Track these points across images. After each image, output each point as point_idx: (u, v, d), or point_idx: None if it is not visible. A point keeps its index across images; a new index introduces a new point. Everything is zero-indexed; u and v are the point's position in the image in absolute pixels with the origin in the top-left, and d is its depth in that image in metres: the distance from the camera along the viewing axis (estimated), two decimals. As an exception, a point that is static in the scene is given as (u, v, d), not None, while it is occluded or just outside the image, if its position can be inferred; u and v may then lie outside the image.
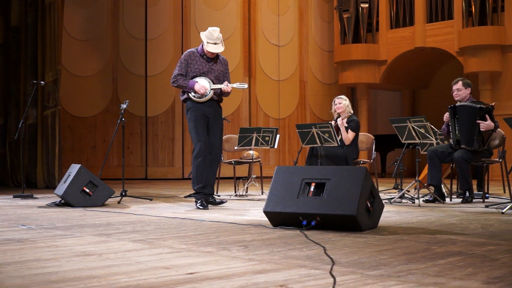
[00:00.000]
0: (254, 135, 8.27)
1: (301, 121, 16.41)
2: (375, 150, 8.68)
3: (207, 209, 6.24)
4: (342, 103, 8.16)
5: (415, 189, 7.78)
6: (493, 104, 6.96)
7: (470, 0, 14.29)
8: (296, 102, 16.62)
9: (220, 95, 6.59)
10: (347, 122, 8.11)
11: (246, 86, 6.49)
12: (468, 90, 7.14)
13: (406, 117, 7.85)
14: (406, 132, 6.94)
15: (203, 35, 6.53)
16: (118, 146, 13.65)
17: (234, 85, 6.52)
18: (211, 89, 6.47)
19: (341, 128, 8.06)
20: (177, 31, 14.69)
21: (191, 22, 14.76)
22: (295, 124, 9.11)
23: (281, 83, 16.27)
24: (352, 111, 8.27)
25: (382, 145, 14.88)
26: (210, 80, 6.52)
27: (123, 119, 7.63)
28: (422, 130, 6.84)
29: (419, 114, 17.33)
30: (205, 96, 6.47)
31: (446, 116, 7.10)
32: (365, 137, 8.83)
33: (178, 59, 14.63)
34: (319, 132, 7.52)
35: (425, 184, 7.39)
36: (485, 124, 6.81)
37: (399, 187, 8.48)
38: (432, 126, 6.98)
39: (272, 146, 8.38)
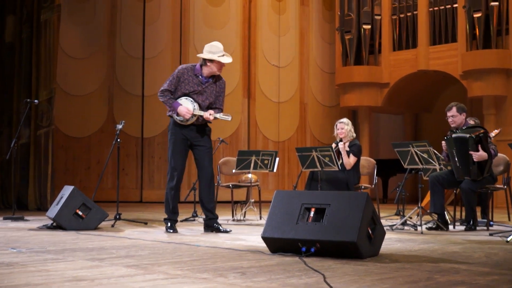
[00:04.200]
0: (253, 158, 8.25)
1: (301, 144, 16.42)
2: (376, 175, 8.68)
3: (176, 232, 6.37)
4: (344, 128, 8.17)
5: (418, 215, 7.77)
6: (482, 132, 6.90)
7: (474, 23, 14.36)
8: (296, 125, 16.65)
9: (203, 120, 6.44)
10: (349, 146, 8.11)
11: (230, 118, 6.35)
12: (463, 116, 7.12)
13: (408, 141, 7.91)
14: (409, 157, 6.94)
15: (206, 51, 6.41)
16: (113, 167, 13.63)
17: (217, 115, 6.34)
18: (193, 114, 6.32)
19: (342, 153, 8.07)
20: (176, 50, 14.75)
21: (190, 41, 14.82)
22: (295, 147, 9.10)
23: (281, 105, 16.31)
24: (354, 135, 8.28)
25: (384, 170, 14.86)
26: (196, 104, 6.37)
27: (118, 139, 7.63)
28: (425, 155, 6.84)
29: (422, 138, 17.33)
30: (188, 120, 6.35)
31: (444, 144, 7.11)
32: (366, 161, 8.83)
33: None
34: (320, 156, 7.52)
35: (428, 211, 7.37)
36: (477, 155, 6.78)
37: (401, 213, 8.44)
38: (435, 151, 6.97)
39: (271, 169, 8.36)
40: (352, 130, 8.27)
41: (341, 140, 8.23)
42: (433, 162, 6.84)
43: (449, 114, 7.13)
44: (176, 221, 6.62)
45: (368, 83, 16.38)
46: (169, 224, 6.51)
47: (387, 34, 16.30)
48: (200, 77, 6.44)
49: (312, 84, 17.08)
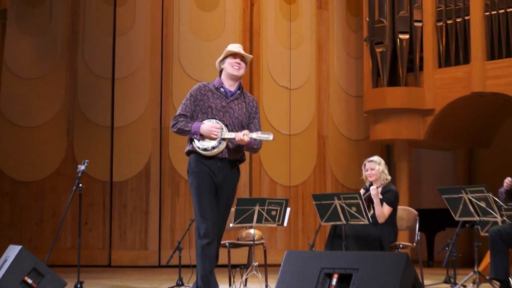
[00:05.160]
0: (257, 208, 8.21)
1: (319, 190, 16.36)
2: (419, 230, 8.65)
3: None
4: (375, 168, 8.17)
5: (474, 283, 7.72)
6: None
7: (546, 30, 14.43)
8: (313, 165, 16.60)
9: (237, 150, 6.36)
10: (382, 193, 8.11)
11: (271, 137, 6.26)
12: None
13: (460, 186, 7.99)
14: (461, 206, 6.98)
15: (222, 54, 6.58)
16: (73, 221, 13.58)
17: (254, 135, 6.28)
18: (222, 138, 6.23)
19: (374, 201, 8.06)
20: (155, 68, 14.79)
21: (173, 56, 14.86)
22: (312, 194, 9.09)
23: (293, 139, 16.28)
24: (389, 178, 8.28)
25: (428, 223, 14.79)
26: (223, 126, 6.30)
27: (80, 185, 7.64)
28: (483, 204, 6.85)
29: (479, 181, 17.25)
30: (215, 147, 6.23)
31: (508, 181, 7.07)
32: (405, 212, 8.81)
33: (156, 104, 14.93)
34: (344, 205, 7.54)
35: (487, 277, 7.32)
36: None
37: (452, 280, 8.41)
38: (496, 199, 6.99)
39: (280, 223, 8.31)
40: (386, 171, 8.27)
41: (371, 185, 8.22)
42: (493, 213, 6.86)
43: None
44: None
45: (407, 110, 16.36)
46: None
47: (431, 46, 16.33)
48: (222, 89, 6.48)
49: (334, 112, 17.08)
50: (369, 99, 16.71)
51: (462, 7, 15.89)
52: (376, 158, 8.36)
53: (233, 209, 8.50)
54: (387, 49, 16.31)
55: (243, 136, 6.18)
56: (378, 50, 16.32)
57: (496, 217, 6.85)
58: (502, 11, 15.31)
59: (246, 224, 8.40)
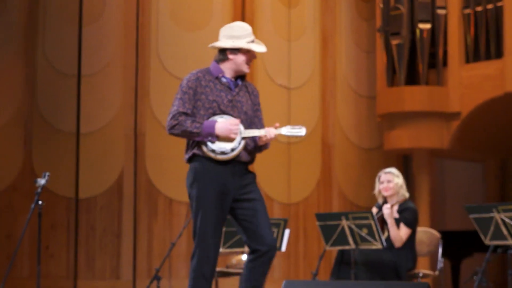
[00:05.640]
0: None
1: (324, 208, 16.37)
2: (442, 256, 8.69)
3: None
4: (392, 181, 8.19)
5: (508, 319, 7.73)
6: None
7: None
8: (316, 178, 16.61)
9: (253, 150, 6.28)
10: (398, 212, 8.13)
11: (304, 132, 6.21)
12: None
13: (491, 203, 7.99)
14: (492, 228, 7.02)
15: (225, 37, 6.26)
16: (32, 245, 13.56)
17: (283, 131, 6.21)
18: (242, 138, 6.09)
19: (388, 221, 8.08)
20: (129, 63, 14.75)
21: (151, 49, 14.85)
22: (315, 213, 9.10)
23: (293, 147, 16.28)
24: (407, 194, 8.30)
25: (453, 247, 14.79)
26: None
27: (40, 202, 7.64)
28: None
29: (513, 198, 17.30)
30: (234, 149, 6.07)
31: None
32: (426, 234, 8.83)
33: (130, 107, 14.89)
34: (353, 227, 7.61)
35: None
36: None
37: (482, 315, 8.42)
38: None
39: (278, 248, 8.35)
40: (404, 187, 8.29)
41: (385, 202, 8.22)
42: None
43: None
44: None
45: (428, 113, 16.39)
46: None
47: (457, 38, 16.34)
48: (224, 79, 6.26)
49: (341, 115, 17.10)
50: (383, 100, 16.73)
51: (494, -9, 15.95)
52: (394, 169, 8.39)
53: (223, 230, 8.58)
54: (405, 41, 16.34)
55: (273, 134, 6.10)
56: (394, 42, 16.34)
57: (534, 241, 6.89)
58: (542, -4, 15.38)
59: (237, 249, 8.42)
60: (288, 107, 16.26)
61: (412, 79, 16.52)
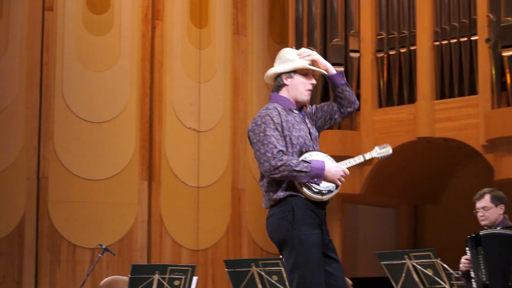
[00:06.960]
0: (156, 277, 8.40)
1: (233, 254, 16.28)
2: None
3: None
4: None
5: None
6: None
7: (504, 64, 14.50)
8: (226, 224, 16.52)
9: None
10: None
11: (390, 151, 6.15)
12: (501, 209, 7.36)
13: (403, 250, 8.12)
14: (404, 275, 7.18)
15: (281, 62, 6.06)
16: None
17: (374, 154, 6.15)
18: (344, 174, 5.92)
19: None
20: (32, 103, 14.53)
21: (56, 89, 14.65)
22: (224, 259, 9.39)
23: (202, 192, 16.20)
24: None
25: (366, 295, 14.82)
26: (324, 154, 5.90)
27: None
28: (430, 272, 7.12)
29: (425, 245, 17.33)
30: (332, 191, 5.82)
31: (465, 260, 7.09)
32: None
33: (33, 149, 14.61)
34: (263, 274, 7.70)
35: None
36: None
37: None
38: (446, 266, 7.23)
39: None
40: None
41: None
42: (442, 283, 7.11)
43: (479, 205, 7.35)
44: None
45: (340, 158, 16.32)
46: None
47: (370, 81, 16.39)
48: (295, 110, 5.94)
49: (252, 159, 16.91)
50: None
51: (408, 35, 15.95)
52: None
53: (126, 278, 8.62)
54: (316, 84, 16.23)
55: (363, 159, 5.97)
56: (307, 85, 16.24)
57: None
58: (454, 40, 15.33)
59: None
60: (198, 151, 16.22)
61: (325, 123, 16.45)
